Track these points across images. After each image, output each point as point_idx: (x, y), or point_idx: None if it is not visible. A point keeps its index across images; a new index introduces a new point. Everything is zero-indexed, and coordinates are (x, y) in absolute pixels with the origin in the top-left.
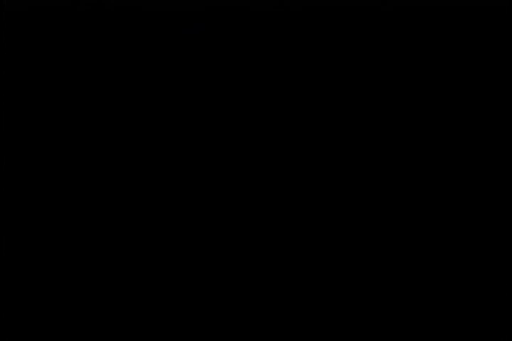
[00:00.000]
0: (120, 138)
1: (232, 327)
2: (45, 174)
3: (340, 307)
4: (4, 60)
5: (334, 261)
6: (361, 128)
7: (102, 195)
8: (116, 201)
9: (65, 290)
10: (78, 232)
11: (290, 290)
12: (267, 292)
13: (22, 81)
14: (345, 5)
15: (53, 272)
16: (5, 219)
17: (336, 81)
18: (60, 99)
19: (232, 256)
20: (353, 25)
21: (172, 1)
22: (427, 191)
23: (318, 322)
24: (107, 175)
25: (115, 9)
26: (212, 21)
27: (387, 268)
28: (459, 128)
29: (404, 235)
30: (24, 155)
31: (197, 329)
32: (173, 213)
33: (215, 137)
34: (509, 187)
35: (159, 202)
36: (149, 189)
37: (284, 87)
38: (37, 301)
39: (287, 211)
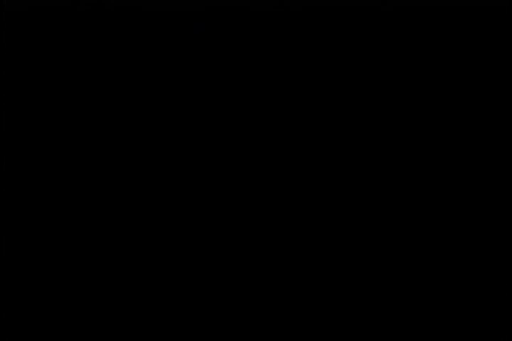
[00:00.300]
0: (121, 138)
1: (232, 327)
2: (45, 174)
3: (340, 306)
4: (4, 60)
5: (334, 260)
6: (361, 128)
7: (101, 195)
8: (115, 201)
9: (65, 291)
10: (78, 232)
11: (290, 290)
12: (266, 292)
13: (22, 81)
14: (345, 5)
15: (53, 272)
16: (5, 220)
17: (336, 81)
18: (60, 99)
19: (231, 256)
20: (353, 25)
21: (172, 1)
22: (427, 191)
23: (318, 322)
24: (107, 175)
25: (115, 9)
26: (212, 21)
27: (387, 268)
28: (459, 128)
29: (404, 234)
30: (24, 155)
31: (196, 329)
32: (172, 213)
33: (215, 137)
34: (509, 187)
35: (159, 202)
36: (149, 189)
37: (284, 87)
38: (36, 301)
39: (287, 211)
